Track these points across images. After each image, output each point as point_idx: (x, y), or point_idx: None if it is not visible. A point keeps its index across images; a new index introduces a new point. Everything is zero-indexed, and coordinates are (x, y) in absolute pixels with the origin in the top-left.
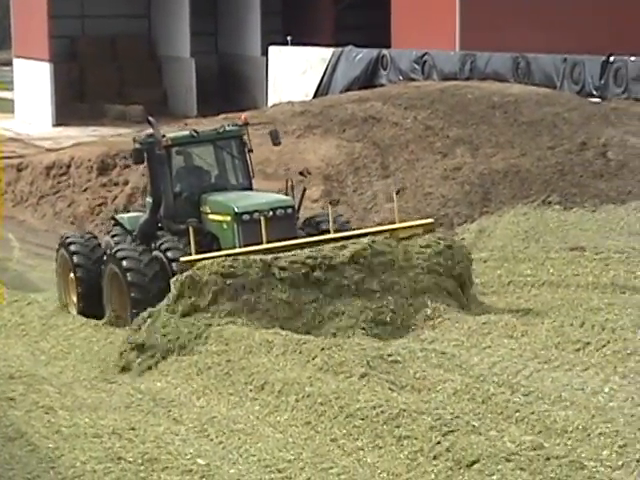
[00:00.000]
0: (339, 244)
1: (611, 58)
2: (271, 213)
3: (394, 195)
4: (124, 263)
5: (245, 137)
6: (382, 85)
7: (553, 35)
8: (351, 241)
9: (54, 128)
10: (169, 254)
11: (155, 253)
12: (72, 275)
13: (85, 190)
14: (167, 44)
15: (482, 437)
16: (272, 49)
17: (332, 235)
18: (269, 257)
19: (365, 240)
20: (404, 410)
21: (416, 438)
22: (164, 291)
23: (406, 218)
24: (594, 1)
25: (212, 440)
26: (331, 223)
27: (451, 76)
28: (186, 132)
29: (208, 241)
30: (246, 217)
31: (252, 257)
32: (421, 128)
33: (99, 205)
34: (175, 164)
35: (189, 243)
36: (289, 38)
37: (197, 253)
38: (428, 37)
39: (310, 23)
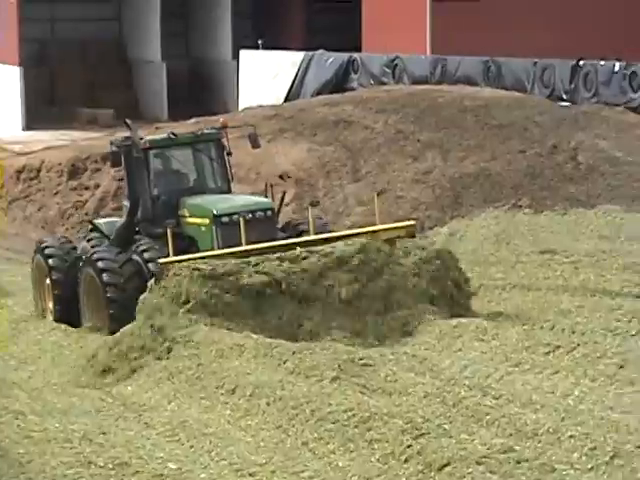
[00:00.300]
0: (326, 251)
1: (581, 62)
2: (250, 215)
3: (375, 197)
4: (100, 264)
5: (224, 140)
6: (353, 89)
7: (524, 39)
8: (341, 246)
9: (24, 132)
10: (146, 255)
11: (132, 256)
12: (48, 281)
13: (56, 194)
14: (138, 48)
15: (453, 440)
16: (243, 53)
17: (313, 237)
18: (257, 279)
19: (354, 251)
20: (375, 413)
21: (387, 441)
22: (140, 293)
23: (381, 221)
24: (565, 4)
25: (183, 444)
26: (311, 225)
27: (422, 80)
28: (164, 135)
29: (186, 245)
30: (225, 219)
31: (245, 281)
32: (392, 132)
33: (71, 209)
34: (153, 167)
35: (167, 246)
36: (260, 42)
37: (175, 256)
38: (399, 41)
39: (281, 27)
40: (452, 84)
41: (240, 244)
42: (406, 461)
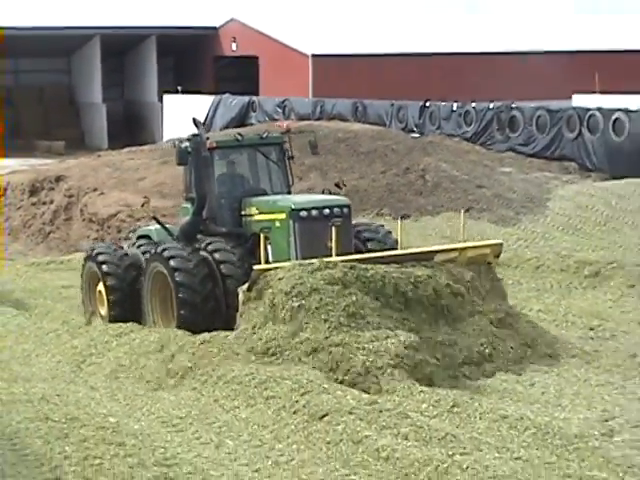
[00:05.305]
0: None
1: (427, 103)
2: (328, 211)
3: (462, 213)
4: (172, 263)
5: (286, 144)
6: (252, 124)
7: (385, 87)
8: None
9: None
10: (217, 256)
11: (202, 253)
12: (101, 287)
13: (19, 208)
14: (84, 93)
15: (331, 396)
16: (166, 97)
17: (408, 251)
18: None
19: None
20: (270, 377)
21: (280, 398)
22: (212, 297)
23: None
24: (416, 64)
25: (120, 402)
26: (399, 238)
27: (306, 117)
28: (230, 136)
29: (250, 245)
30: (304, 214)
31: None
32: None
33: (31, 220)
34: (217, 167)
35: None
36: (179, 88)
37: (245, 261)
38: (288, 87)
39: (196, 76)
40: (329, 120)
41: (319, 243)
42: (294, 413)
